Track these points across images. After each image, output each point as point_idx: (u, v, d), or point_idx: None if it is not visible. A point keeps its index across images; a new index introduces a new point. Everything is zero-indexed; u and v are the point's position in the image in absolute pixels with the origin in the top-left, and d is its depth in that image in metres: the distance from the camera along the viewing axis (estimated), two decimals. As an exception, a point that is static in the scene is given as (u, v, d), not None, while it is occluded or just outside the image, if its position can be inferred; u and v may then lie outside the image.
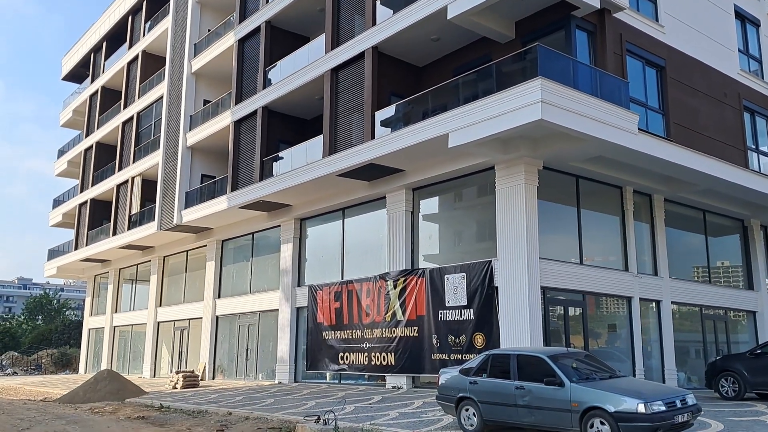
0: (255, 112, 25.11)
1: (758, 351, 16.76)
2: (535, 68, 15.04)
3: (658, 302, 20.10)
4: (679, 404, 9.94)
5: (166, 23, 32.38)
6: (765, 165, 23.77)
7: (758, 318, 23.33)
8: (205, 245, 30.04)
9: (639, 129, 16.50)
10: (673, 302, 20.55)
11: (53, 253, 42.84)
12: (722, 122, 21.80)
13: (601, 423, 9.73)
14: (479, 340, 17.20)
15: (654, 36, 19.54)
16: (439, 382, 12.65)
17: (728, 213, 23.05)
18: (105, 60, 40.06)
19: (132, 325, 35.99)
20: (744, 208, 22.63)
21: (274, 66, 24.68)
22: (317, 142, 21.79)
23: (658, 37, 19.69)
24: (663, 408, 9.64)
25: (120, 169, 35.26)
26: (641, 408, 9.50)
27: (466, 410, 11.76)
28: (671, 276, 20.66)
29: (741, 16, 24.12)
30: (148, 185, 32.58)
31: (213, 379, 28.26)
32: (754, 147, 23.36)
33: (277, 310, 24.92)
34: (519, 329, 16.22)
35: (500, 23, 17.83)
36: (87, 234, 37.67)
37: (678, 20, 20.68)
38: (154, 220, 30.28)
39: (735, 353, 19.81)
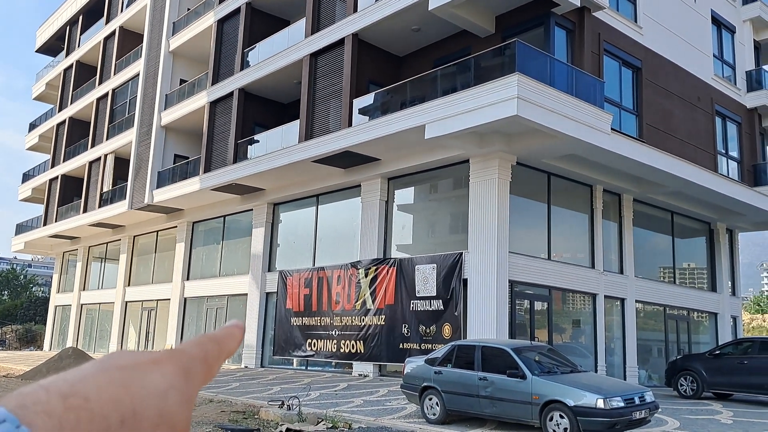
0: (231, 94, 24.88)
1: (717, 352, 17.17)
2: (513, 64, 15.14)
3: (622, 300, 20.43)
4: (637, 401, 10.16)
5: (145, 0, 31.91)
6: (733, 170, 24.21)
7: (719, 319, 23.84)
8: (176, 226, 29.78)
9: (612, 129, 16.71)
10: (637, 301, 20.90)
11: (21, 228, 42.11)
12: (694, 126, 22.14)
13: (561, 416, 9.91)
14: (447, 330, 17.35)
15: (632, 37, 19.75)
16: (405, 371, 12.76)
17: (695, 215, 23.45)
18: (81, 34, 39.31)
19: (99, 303, 35.61)
20: (711, 212, 23.04)
21: (253, 48, 24.45)
22: (293, 127, 21.69)
23: (635, 38, 19.90)
24: (622, 404, 9.84)
25: (93, 145, 34.73)
26: (600, 403, 9.69)
27: (430, 399, 11.89)
28: (637, 275, 20.99)
29: (717, 22, 24.44)
30: (121, 163, 32.14)
31: (179, 360, 28.01)
32: (723, 152, 23.76)
33: (246, 294, 24.83)
34: (486, 321, 16.40)
35: (481, 17, 17.90)
36: (57, 210, 37.10)
37: (656, 22, 20.91)
38: (125, 198, 29.92)
39: (695, 353, 20.25)
